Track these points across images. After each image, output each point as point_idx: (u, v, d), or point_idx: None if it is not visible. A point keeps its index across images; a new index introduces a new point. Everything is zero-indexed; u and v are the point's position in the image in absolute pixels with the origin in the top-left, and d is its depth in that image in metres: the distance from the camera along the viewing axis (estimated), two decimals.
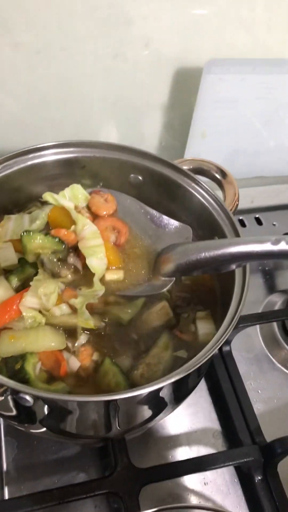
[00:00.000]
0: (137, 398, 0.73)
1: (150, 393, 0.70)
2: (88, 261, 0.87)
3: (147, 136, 1.38)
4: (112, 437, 0.88)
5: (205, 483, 0.95)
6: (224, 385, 1.05)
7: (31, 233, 0.87)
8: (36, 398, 0.71)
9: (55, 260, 0.89)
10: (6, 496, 0.90)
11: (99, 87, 1.23)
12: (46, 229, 0.95)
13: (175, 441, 1.00)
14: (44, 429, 0.85)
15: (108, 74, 1.20)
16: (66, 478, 0.94)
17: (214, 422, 1.04)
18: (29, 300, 0.82)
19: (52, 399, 0.70)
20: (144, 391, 0.69)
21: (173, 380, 0.69)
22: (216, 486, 0.96)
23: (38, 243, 0.87)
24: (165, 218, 0.98)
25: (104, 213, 0.98)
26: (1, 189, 0.97)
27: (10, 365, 0.79)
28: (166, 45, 1.17)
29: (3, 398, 0.71)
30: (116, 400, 0.69)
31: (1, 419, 0.98)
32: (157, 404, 0.82)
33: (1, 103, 1.19)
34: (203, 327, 0.89)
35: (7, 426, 0.98)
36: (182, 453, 0.99)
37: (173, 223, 0.98)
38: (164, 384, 0.69)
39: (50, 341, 0.81)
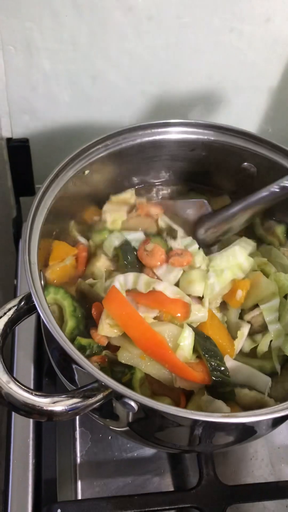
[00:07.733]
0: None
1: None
2: None
3: (244, 121, 1.27)
4: (199, 451, 0.82)
5: (287, 506, 0.89)
6: None
7: None
8: (141, 406, 0.65)
9: None
10: (79, 491, 0.86)
11: (205, 64, 1.12)
12: None
13: (255, 454, 0.94)
14: (127, 428, 0.80)
15: (219, 50, 1.10)
16: (140, 480, 0.89)
17: None
18: None
19: (166, 413, 0.64)
20: (260, 418, 0.63)
21: None
22: None
23: None
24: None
25: None
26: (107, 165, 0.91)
27: (116, 375, 0.75)
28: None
29: (104, 400, 0.66)
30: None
31: None
32: (261, 427, 0.75)
33: (100, 70, 1.10)
34: None
35: (82, 416, 0.93)
36: (264, 470, 0.92)
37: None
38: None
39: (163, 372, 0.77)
